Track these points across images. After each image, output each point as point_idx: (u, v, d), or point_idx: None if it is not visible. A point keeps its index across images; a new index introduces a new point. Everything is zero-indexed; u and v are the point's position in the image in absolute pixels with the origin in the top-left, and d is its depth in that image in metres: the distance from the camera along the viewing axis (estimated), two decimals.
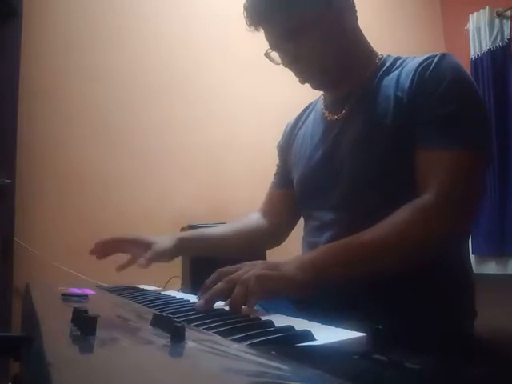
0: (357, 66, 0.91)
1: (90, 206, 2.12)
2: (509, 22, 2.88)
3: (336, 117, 0.93)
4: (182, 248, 1.01)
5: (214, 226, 1.97)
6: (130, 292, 0.90)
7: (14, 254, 1.89)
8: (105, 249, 1.02)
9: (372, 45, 0.96)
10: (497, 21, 2.89)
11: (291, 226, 1.12)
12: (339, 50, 0.88)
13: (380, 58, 0.92)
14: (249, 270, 0.66)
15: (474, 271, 3.07)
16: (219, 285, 0.64)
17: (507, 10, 2.87)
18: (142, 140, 2.27)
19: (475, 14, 2.97)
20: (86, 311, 0.40)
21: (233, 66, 2.48)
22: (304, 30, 0.85)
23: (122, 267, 1.02)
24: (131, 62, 2.31)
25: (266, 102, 2.51)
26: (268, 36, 0.90)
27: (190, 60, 2.43)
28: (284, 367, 0.31)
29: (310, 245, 0.95)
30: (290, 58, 0.89)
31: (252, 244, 1.10)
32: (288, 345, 0.42)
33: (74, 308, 0.43)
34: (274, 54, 0.92)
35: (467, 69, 3.03)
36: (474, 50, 2.96)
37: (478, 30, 2.94)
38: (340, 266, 0.72)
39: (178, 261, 2.07)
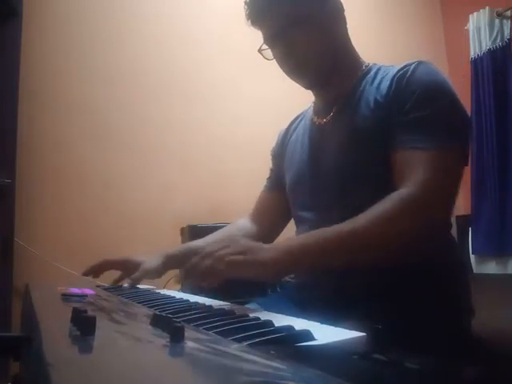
0: (345, 71, 0.95)
1: (90, 206, 2.12)
2: (509, 21, 2.88)
3: (324, 120, 0.96)
4: (169, 265, 1.07)
5: (214, 226, 1.97)
6: (129, 292, 0.90)
7: (14, 254, 1.89)
8: (98, 270, 1.08)
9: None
10: (497, 21, 2.90)
11: (280, 228, 1.15)
12: (330, 51, 0.92)
13: (366, 66, 0.96)
14: (223, 248, 0.68)
15: (474, 271, 3.06)
16: (193, 259, 0.68)
17: (507, 9, 2.87)
18: (142, 140, 2.27)
19: (475, 14, 2.97)
20: (85, 311, 0.40)
21: (233, 66, 2.48)
22: (299, 24, 0.89)
23: (116, 282, 1.07)
24: (131, 61, 2.31)
25: (266, 101, 2.51)
26: (264, 31, 0.94)
27: (190, 59, 2.43)
28: (284, 367, 0.31)
29: None
30: (283, 53, 0.92)
31: None
32: (288, 345, 0.42)
33: (74, 308, 0.43)
34: (268, 51, 0.96)
35: (467, 69, 3.05)
36: (474, 50, 2.96)
37: (478, 29, 2.94)
38: (315, 254, 0.74)
39: None
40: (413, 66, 0.85)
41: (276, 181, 1.13)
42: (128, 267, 1.04)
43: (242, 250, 0.68)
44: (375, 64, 0.97)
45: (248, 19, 0.93)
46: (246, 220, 1.17)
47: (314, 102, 1.04)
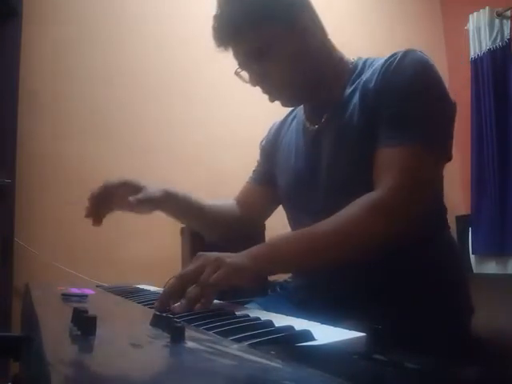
0: (329, 77, 0.91)
1: None
2: (509, 21, 2.89)
3: (316, 126, 0.93)
4: (166, 200, 1.00)
5: None
6: (130, 292, 0.90)
7: (14, 254, 1.89)
8: (99, 206, 1.01)
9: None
10: (497, 21, 2.90)
11: (261, 220, 1.16)
12: (304, 69, 0.88)
13: (352, 63, 0.92)
14: (202, 270, 0.67)
15: (474, 271, 3.05)
16: (171, 283, 0.67)
17: (507, 9, 2.87)
18: (141, 139, 2.28)
19: (475, 14, 2.98)
20: (85, 311, 0.40)
21: (233, 66, 2.48)
22: (268, 50, 0.85)
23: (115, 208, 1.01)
24: (131, 61, 2.31)
25: (265, 102, 2.51)
26: (236, 56, 0.91)
27: (190, 59, 2.43)
28: (284, 367, 0.31)
29: None
30: (257, 78, 0.90)
31: (226, 227, 1.11)
32: (288, 345, 0.42)
33: (74, 308, 0.43)
34: (244, 73, 0.92)
35: (467, 69, 3.04)
36: (474, 50, 2.96)
37: (478, 29, 2.95)
38: (286, 257, 0.74)
39: (178, 261, 2.07)
40: (399, 55, 0.81)
41: (263, 175, 1.12)
42: (129, 190, 0.96)
43: (218, 263, 0.68)
44: (360, 58, 0.93)
45: (218, 45, 0.89)
46: (233, 202, 1.17)
47: (304, 105, 1.01)
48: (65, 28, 2.20)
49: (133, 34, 2.33)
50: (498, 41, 2.87)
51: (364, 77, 0.86)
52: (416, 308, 0.77)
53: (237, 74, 0.93)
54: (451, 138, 0.82)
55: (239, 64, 0.91)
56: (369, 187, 0.80)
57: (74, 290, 0.79)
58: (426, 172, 0.78)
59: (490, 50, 2.88)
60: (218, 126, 2.43)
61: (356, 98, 0.85)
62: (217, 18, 0.88)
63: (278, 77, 0.88)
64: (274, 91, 0.91)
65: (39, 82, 2.11)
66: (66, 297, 0.69)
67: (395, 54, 0.83)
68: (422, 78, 0.80)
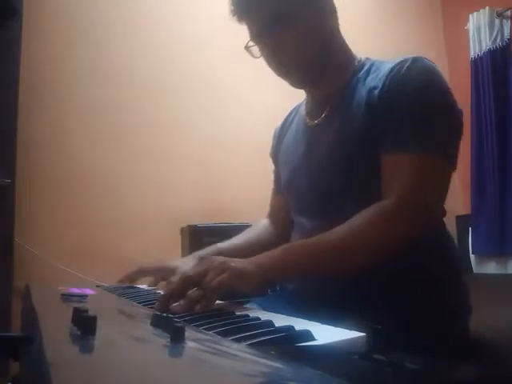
0: (336, 68, 0.91)
1: (90, 206, 2.12)
2: (509, 21, 2.89)
3: (316, 121, 0.93)
4: None
5: (214, 226, 1.97)
6: (130, 292, 0.90)
7: (14, 254, 1.89)
8: (134, 278, 1.05)
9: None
10: (497, 21, 2.90)
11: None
12: (318, 47, 0.89)
13: (359, 62, 0.92)
14: (206, 272, 0.67)
15: (474, 271, 3.06)
16: (171, 284, 0.67)
17: (507, 10, 2.87)
18: (141, 140, 2.28)
19: (475, 14, 2.98)
20: (86, 311, 0.40)
21: (231, 67, 2.48)
22: (286, 21, 0.86)
23: (151, 285, 1.05)
24: (131, 61, 2.31)
25: (263, 103, 2.51)
26: (251, 26, 0.91)
27: (188, 61, 2.43)
28: (284, 367, 0.31)
29: None
30: (270, 50, 0.89)
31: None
32: (288, 345, 0.42)
33: (74, 308, 0.43)
34: (255, 48, 0.93)
35: (467, 69, 3.04)
36: (474, 50, 2.97)
37: (478, 29, 2.95)
38: (293, 266, 0.74)
39: None
40: (408, 62, 0.81)
41: (280, 182, 1.10)
42: (163, 273, 1.02)
43: (223, 267, 0.67)
44: (368, 59, 0.93)
45: (233, 15, 0.91)
46: (266, 221, 1.16)
47: (306, 100, 1.02)
48: (65, 27, 2.20)
49: (133, 33, 2.33)
50: (498, 41, 2.87)
51: (370, 80, 0.86)
52: (416, 307, 0.77)
53: (247, 48, 0.93)
54: (458, 147, 0.81)
55: (252, 37, 0.91)
56: (363, 190, 0.80)
57: (74, 290, 0.79)
58: (436, 182, 0.78)
59: (490, 50, 2.88)
60: (217, 127, 2.44)
61: (359, 99, 0.84)
62: None
63: (291, 50, 0.88)
64: (284, 67, 0.90)
65: (39, 82, 2.11)
66: (66, 297, 0.68)
67: (403, 60, 0.83)
68: (432, 87, 0.80)
